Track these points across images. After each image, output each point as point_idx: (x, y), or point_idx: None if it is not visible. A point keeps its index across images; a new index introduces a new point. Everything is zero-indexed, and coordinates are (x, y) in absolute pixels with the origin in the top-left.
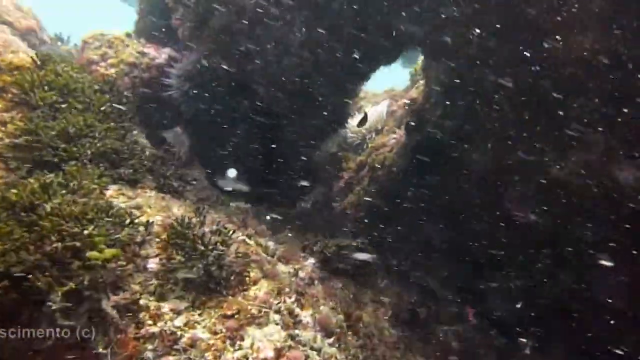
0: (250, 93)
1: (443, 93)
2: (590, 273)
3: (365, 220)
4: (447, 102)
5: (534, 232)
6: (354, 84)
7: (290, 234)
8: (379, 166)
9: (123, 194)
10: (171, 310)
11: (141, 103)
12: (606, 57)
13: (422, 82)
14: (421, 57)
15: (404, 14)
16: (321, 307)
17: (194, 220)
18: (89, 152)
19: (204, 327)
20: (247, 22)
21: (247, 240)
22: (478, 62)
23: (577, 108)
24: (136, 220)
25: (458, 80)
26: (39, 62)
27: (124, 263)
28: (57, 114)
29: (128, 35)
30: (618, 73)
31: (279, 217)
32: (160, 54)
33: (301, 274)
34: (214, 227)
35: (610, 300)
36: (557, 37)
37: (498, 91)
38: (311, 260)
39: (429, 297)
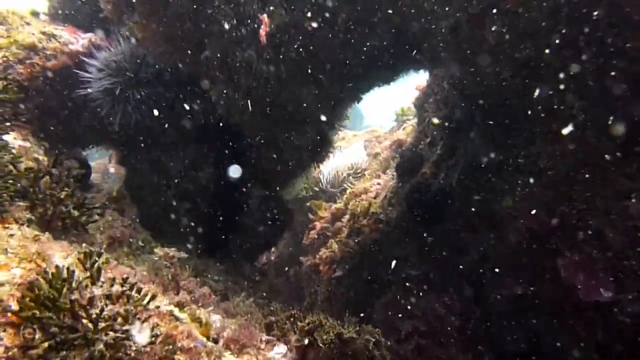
0: (204, 97)
1: (446, 124)
2: None
3: (344, 282)
4: (450, 138)
5: (607, 318)
6: (345, 102)
7: (247, 300)
8: (362, 215)
9: None
10: None
11: (42, 104)
12: None
13: (411, 121)
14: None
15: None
16: None
17: (78, 274)
18: None
19: None
20: None
21: (175, 312)
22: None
23: None
24: None
25: (476, 90)
26: None
27: None
28: None
29: (34, 13)
30: None
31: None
32: (77, 39)
33: None
34: (116, 288)
35: None
36: None
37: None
38: (281, 349)
39: None
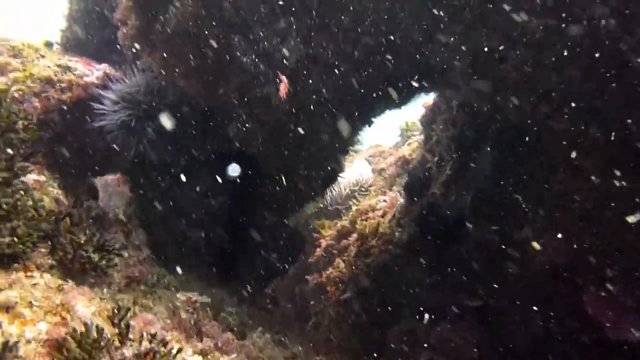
0: (220, 130)
1: (455, 144)
2: None
3: (354, 304)
4: (459, 158)
5: (637, 358)
6: (357, 128)
7: (263, 337)
8: (371, 235)
9: None
10: None
11: (56, 137)
12: None
13: (416, 137)
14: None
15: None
16: None
17: (107, 331)
18: None
19: None
20: (220, 23)
21: None
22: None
23: None
24: None
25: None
26: None
27: None
28: None
29: (48, 44)
30: None
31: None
32: (92, 71)
33: None
34: (145, 345)
35: None
36: None
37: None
38: None
39: None
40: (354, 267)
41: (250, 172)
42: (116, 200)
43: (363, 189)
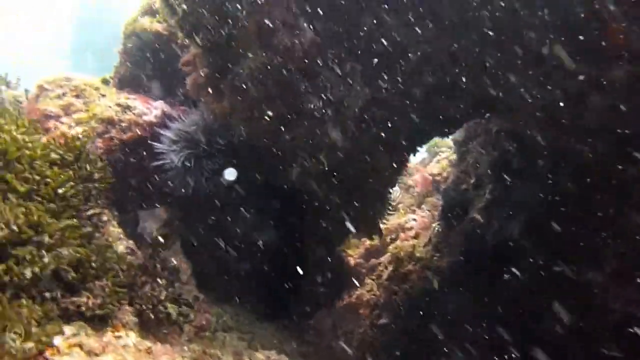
0: (278, 171)
1: (495, 169)
2: None
3: (390, 331)
4: (501, 183)
5: None
6: (406, 159)
7: None
8: (407, 258)
9: (80, 346)
10: None
11: (117, 176)
12: None
13: (444, 154)
14: None
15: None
16: None
17: None
18: (28, 272)
19: None
20: (294, 72)
21: None
22: None
23: None
24: None
25: None
26: None
27: None
28: None
29: (105, 82)
30: None
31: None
32: (150, 109)
33: None
34: None
35: None
36: None
37: None
38: None
39: None
40: (389, 292)
41: (300, 207)
42: (152, 223)
43: (391, 207)
